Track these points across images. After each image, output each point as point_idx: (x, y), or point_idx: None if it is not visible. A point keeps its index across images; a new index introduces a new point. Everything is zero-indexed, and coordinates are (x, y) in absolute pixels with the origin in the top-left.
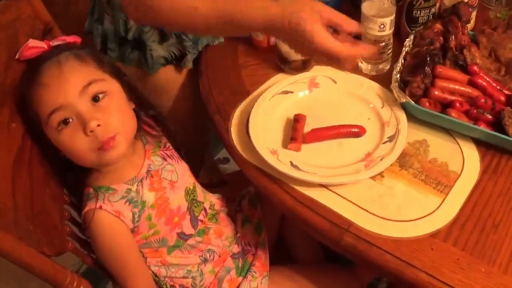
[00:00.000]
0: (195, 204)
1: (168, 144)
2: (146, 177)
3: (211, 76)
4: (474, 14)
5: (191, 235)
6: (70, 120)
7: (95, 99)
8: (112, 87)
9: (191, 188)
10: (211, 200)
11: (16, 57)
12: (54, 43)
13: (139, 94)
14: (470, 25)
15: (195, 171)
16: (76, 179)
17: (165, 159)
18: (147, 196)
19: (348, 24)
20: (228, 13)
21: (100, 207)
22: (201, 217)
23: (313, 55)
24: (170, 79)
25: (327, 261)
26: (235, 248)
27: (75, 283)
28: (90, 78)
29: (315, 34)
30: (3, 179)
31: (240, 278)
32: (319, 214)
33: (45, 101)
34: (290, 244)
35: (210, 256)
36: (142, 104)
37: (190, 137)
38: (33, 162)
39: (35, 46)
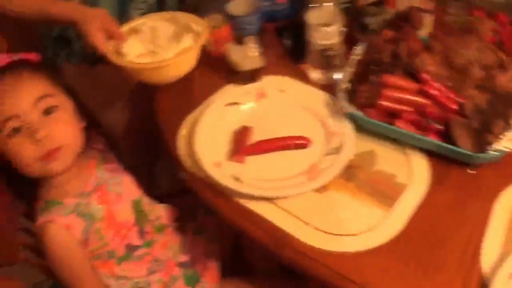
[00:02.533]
0: (142, 216)
1: (113, 158)
2: (94, 191)
3: (160, 86)
4: (431, 19)
5: (138, 247)
6: (21, 128)
7: (47, 112)
8: (64, 103)
9: (137, 200)
10: (159, 212)
11: None
12: (15, 57)
13: (90, 112)
14: (427, 30)
15: (144, 184)
16: (29, 192)
17: (110, 173)
18: (96, 209)
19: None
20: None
21: (51, 221)
22: (147, 229)
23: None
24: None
25: (283, 272)
26: (182, 258)
27: None
28: (44, 91)
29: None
30: None
31: None
32: (261, 227)
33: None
34: (248, 253)
35: (157, 267)
36: (91, 121)
37: (136, 148)
38: None
39: None
